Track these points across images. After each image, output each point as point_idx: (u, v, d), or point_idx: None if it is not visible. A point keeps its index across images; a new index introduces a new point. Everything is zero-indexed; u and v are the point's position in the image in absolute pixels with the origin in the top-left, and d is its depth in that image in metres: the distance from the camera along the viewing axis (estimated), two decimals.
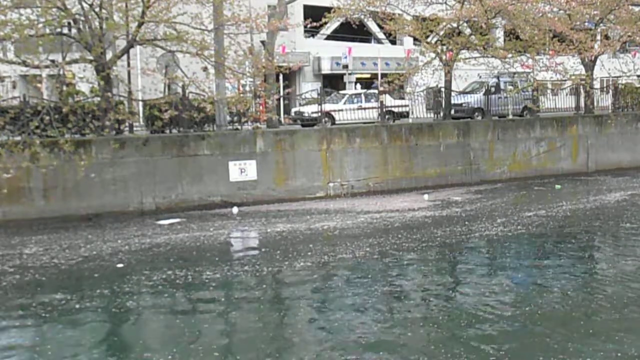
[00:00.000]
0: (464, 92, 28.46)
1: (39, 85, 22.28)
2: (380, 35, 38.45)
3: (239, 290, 11.93)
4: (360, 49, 38.29)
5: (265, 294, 11.79)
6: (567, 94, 29.96)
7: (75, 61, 19.50)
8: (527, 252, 14.54)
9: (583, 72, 27.88)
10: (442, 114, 25.84)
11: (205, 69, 20.21)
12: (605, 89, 32.94)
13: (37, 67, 18.94)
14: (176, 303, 11.36)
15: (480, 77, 29.78)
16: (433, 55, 25.85)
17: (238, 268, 13.20)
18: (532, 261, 13.66)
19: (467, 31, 27.38)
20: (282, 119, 25.48)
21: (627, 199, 20.43)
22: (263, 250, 15.36)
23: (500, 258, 14.08)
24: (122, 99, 20.55)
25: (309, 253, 14.11)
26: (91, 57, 18.84)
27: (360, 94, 28.61)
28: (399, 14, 27.14)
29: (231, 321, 10.46)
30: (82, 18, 18.83)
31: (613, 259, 13.89)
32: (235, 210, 19.37)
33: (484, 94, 27.26)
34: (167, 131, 20.57)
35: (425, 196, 21.33)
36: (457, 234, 15.75)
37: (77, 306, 11.04)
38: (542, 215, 17.89)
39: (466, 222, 17.08)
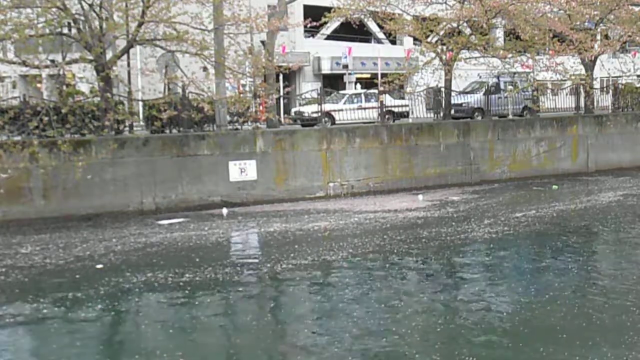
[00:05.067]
0: (464, 92, 28.47)
1: (39, 85, 22.29)
2: (380, 35, 38.47)
3: (213, 295, 11.65)
4: (360, 49, 38.32)
5: (241, 298, 11.60)
6: (567, 94, 29.96)
7: (75, 61, 19.49)
8: (508, 253, 14.42)
9: (583, 72, 27.89)
10: (442, 114, 25.84)
11: (205, 68, 20.21)
12: (605, 89, 32.97)
13: (37, 67, 18.95)
14: (148, 307, 11.14)
15: (480, 77, 29.78)
16: (433, 55, 25.86)
17: (219, 270, 13.00)
18: (512, 263, 13.59)
19: (467, 31, 27.38)
20: (282, 119, 25.47)
21: (619, 200, 20.38)
22: (251, 251, 15.39)
23: (481, 259, 13.90)
24: (121, 99, 20.55)
25: (292, 255, 13.99)
26: (91, 57, 18.83)
27: (360, 94, 28.60)
28: (399, 14, 27.16)
29: (197, 326, 10.22)
30: (82, 18, 18.82)
31: (592, 262, 13.77)
32: (224, 211, 19.33)
33: (484, 94, 27.26)
34: (167, 131, 20.56)
35: (420, 196, 21.30)
36: (443, 235, 15.62)
37: (45, 311, 10.77)
38: (531, 216, 17.80)
39: (454, 223, 16.97)
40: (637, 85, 30.80)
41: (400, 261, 13.67)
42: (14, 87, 31.01)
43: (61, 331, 10.02)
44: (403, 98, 27.77)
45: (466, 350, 8.71)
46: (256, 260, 14.08)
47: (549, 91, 30.69)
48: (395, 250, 14.37)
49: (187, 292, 11.71)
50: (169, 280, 12.36)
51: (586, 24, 28.19)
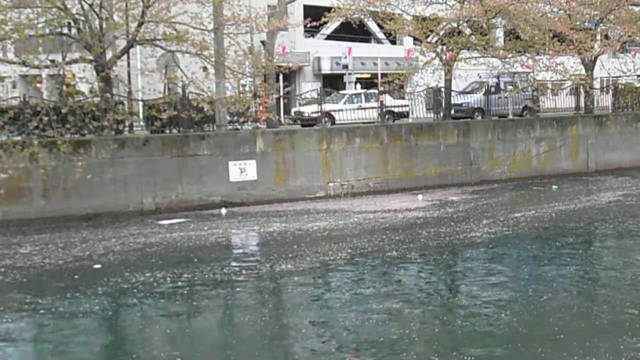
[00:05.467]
0: (464, 92, 28.47)
1: (39, 85, 22.28)
2: (380, 35, 38.44)
3: (211, 295, 11.61)
4: (360, 49, 38.28)
5: (240, 299, 11.57)
6: (567, 94, 29.95)
7: (75, 61, 19.50)
8: (507, 253, 14.40)
9: (583, 72, 27.87)
10: (442, 114, 25.84)
11: (205, 68, 20.22)
12: (605, 89, 32.96)
13: (37, 67, 18.95)
14: (146, 307, 11.10)
15: (480, 77, 29.78)
16: (433, 55, 25.85)
17: (218, 270, 12.98)
18: (511, 263, 13.58)
19: (467, 31, 27.38)
20: (282, 119, 25.48)
21: (618, 200, 20.38)
22: (249, 251, 15.40)
23: (479, 260, 13.86)
24: (121, 99, 20.56)
25: (291, 255, 13.99)
26: (91, 57, 18.84)
27: (360, 94, 28.59)
28: (399, 14, 27.15)
29: (195, 327, 10.20)
30: (82, 18, 18.83)
31: (591, 262, 13.74)
32: (223, 211, 19.36)
33: (484, 94, 27.26)
34: (167, 131, 20.57)
35: (420, 196, 21.30)
36: (441, 235, 15.61)
37: (42, 311, 10.78)
38: (530, 216, 17.78)
39: (453, 223, 16.96)
40: (637, 85, 30.78)
41: (399, 262, 13.66)
42: (14, 87, 31.03)
43: (59, 331, 10.02)
44: (403, 98, 27.75)
45: (464, 350, 8.72)
46: (255, 261, 14.11)
47: (549, 91, 30.67)
48: (394, 251, 14.36)
49: (185, 292, 11.71)
50: (167, 280, 12.36)
51: (586, 24, 28.19)
